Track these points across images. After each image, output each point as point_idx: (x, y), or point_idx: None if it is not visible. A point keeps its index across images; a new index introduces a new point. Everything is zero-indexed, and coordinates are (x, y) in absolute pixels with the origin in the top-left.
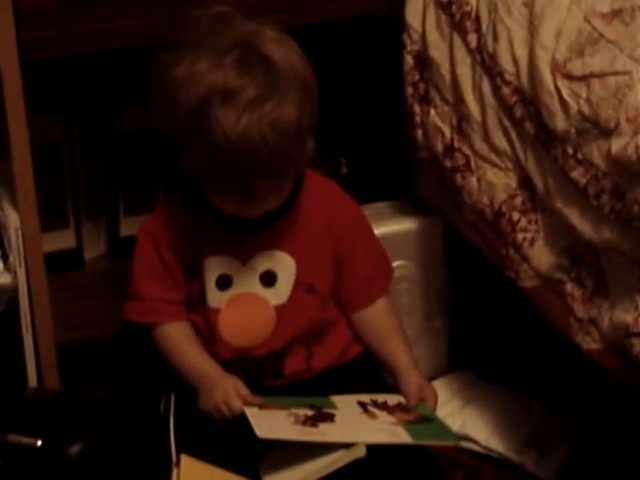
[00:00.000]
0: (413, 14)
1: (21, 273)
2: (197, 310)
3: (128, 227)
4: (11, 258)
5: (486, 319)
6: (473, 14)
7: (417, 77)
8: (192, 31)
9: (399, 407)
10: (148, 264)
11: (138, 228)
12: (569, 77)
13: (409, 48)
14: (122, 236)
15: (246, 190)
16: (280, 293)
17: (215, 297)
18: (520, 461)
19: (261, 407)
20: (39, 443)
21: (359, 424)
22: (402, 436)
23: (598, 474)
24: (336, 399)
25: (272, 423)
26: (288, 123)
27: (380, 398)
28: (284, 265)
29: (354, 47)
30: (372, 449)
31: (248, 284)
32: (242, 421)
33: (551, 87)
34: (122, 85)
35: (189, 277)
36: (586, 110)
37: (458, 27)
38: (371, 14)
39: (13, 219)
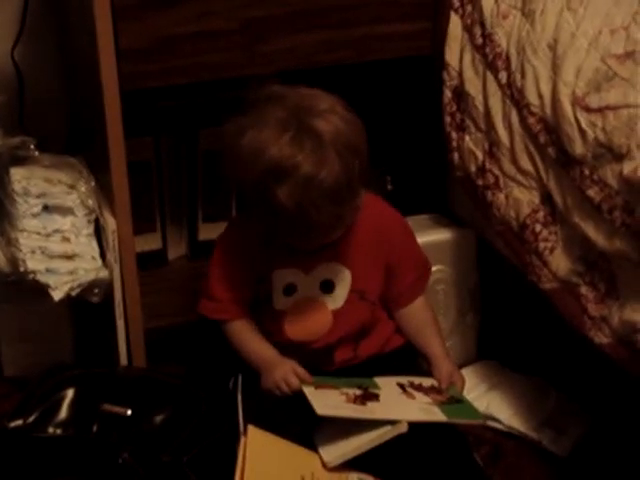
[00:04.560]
0: (452, 54)
1: (116, 269)
2: (262, 309)
3: (205, 232)
4: (108, 256)
5: (510, 316)
6: (504, 55)
7: (454, 108)
8: (253, 105)
9: (433, 389)
10: (222, 269)
11: (215, 235)
12: (587, 109)
13: (448, 83)
14: (200, 240)
15: (305, 242)
16: (337, 299)
17: (281, 301)
18: (538, 439)
19: (316, 386)
20: (129, 412)
21: (401, 403)
22: (438, 414)
23: (605, 452)
24: (378, 380)
25: (328, 401)
26: (337, 188)
27: (416, 380)
28: (341, 275)
29: (402, 82)
30: (412, 425)
31: (310, 290)
32: (299, 398)
33: (571, 117)
34: (204, 111)
35: (258, 281)
36: (601, 137)
37: (491, 66)
38: (417, 54)
39: (111, 223)
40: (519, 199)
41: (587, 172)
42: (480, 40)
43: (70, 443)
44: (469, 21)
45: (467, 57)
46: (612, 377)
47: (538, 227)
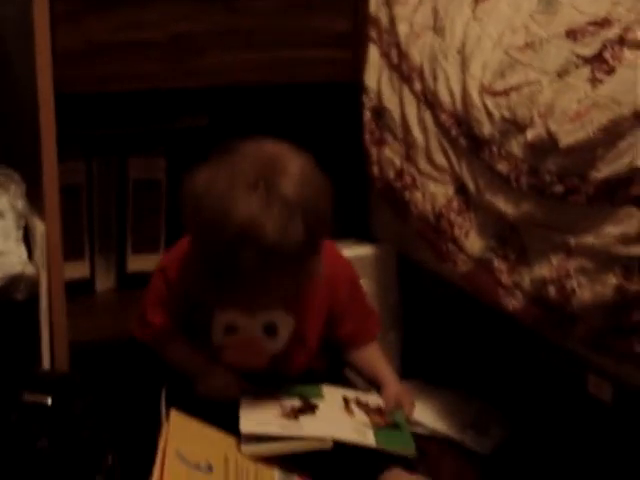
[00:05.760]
0: (370, 78)
1: (43, 272)
2: (198, 340)
3: (134, 263)
4: (36, 256)
5: (433, 333)
6: (418, 67)
7: (373, 126)
8: (219, 160)
9: (377, 410)
10: (158, 295)
11: (144, 266)
12: (493, 93)
13: (367, 105)
14: (129, 271)
15: (256, 304)
16: (277, 343)
17: (220, 339)
18: (461, 439)
19: (256, 395)
20: (49, 401)
21: (335, 420)
22: (368, 438)
23: (525, 452)
24: (325, 389)
25: (258, 416)
26: (300, 255)
27: (363, 398)
28: (284, 321)
29: (322, 109)
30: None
31: (252, 332)
32: (229, 408)
33: (479, 104)
34: (134, 139)
35: (195, 311)
36: (507, 115)
37: (407, 79)
38: (338, 80)
39: (39, 227)
40: (434, 193)
41: (495, 149)
42: (396, 60)
43: None
44: (386, 47)
45: (385, 77)
46: (531, 388)
47: (453, 215)
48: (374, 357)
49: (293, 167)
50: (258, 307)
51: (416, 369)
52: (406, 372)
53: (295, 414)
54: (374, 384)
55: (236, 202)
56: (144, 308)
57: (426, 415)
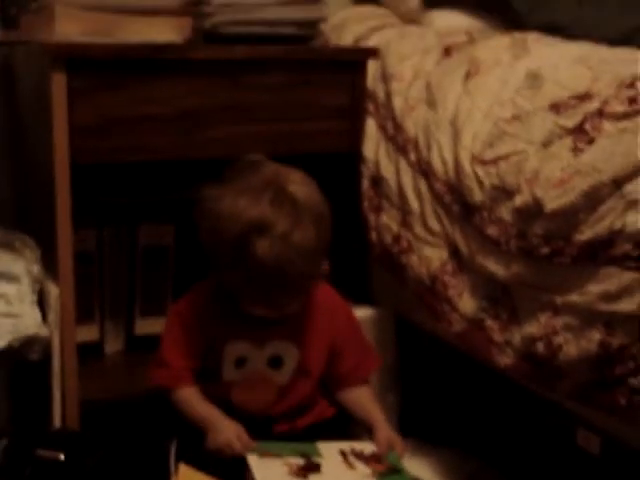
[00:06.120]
0: (368, 149)
1: (56, 333)
2: (210, 379)
3: (142, 327)
4: (50, 319)
5: (431, 394)
6: (412, 139)
7: (371, 194)
8: (232, 172)
9: (373, 457)
10: (174, 337)
11: (152, 330)
12: (483, 162)
13: (365, 174)
14: (137, 334)
15: (273, 302)
16: (283, 375)
17: (231, 373)
18: None
19: (261, 454)
20: (62, 457)
21: (341, 476)
22: None
23: None
24: (321, 446)
25: (271, 473)
26: (310, 248)
27: (358, 447)
28: (289, 353)
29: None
30: None
31: (259, 365)
32: (238, 464)
33: (470, 172)
34: (144, 209)
35: (208, 351)
36: (496, 182)
37: (402, 150)
38: (337, 150)
39: (53, 291)
40: (429, 257)
41: (486, 215)
42: (392, 131)
43: None
44: (382, 120)
45: (382, 148)
46: (525, 440)
47: (447, 278)
48: (366, 399)
49: (298, 178)
50: (267, 312)
51: (413, 428)
52: (404, 430)
53: (303, 473)
54: (364, 425)
55: (247, 203)
56: (161, 352)
57: (424, 473)
